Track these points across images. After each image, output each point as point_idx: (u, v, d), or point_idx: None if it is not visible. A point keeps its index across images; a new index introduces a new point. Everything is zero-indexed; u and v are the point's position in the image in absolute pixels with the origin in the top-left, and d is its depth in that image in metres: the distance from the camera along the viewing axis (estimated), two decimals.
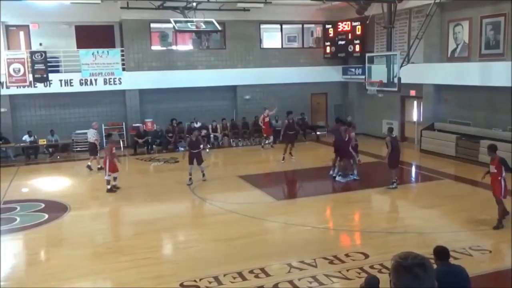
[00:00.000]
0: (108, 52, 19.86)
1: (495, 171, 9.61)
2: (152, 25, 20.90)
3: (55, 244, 10.02)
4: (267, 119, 20.19)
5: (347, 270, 7.98)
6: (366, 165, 15.55)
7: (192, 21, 16.27)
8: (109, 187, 13.50)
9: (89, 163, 16.57)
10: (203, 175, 14.37)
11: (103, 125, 20.38)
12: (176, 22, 16.15)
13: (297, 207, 12.41)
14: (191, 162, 14.01)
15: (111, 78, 19.94)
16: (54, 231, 10.81)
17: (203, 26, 16.16)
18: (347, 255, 8.61)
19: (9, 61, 18.33)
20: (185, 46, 21.99)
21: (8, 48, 19.62)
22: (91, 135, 16.96)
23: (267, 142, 20.44)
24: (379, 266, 7.99)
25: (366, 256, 8.56)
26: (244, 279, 7.76)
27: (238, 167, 17.28)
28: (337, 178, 14.39)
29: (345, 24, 22.15)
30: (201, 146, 14.46)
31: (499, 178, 9.54)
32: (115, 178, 13.67)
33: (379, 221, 10.97)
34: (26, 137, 18.93)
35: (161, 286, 7.64)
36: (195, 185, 13.96)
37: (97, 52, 19.59)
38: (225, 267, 8.18)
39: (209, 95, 21.89)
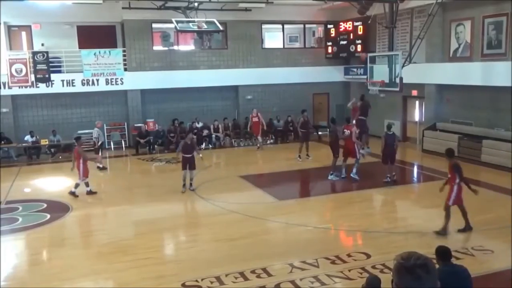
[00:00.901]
0: (110, 52, 19.89)
1: (450, 176, 9.50)
2: (154, 25, 20.92)
3: (57, 244, 10.03)
4: (255, 119, 19.90)
5: (349, 270, 7.97)
6: (368, 165, 15.53)
7: (193, 21, 16.27)
8: (88, 189, 13.35)
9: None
10: (191, 184, 13.43)
11: (105, 125, 20.42)
12: (177, 22, 16.16)
13: (298, 207, 12.40)
14: (184, 167, 13.32)
15: (113, 78, 19.97)
16: (56, 231, 10.82)
17: (204, 26, 16.16)
18: (349, 255, 8.60)
19: (11, 62, 18.38)
20: (187, 46, 22.01)
21: (10, 49, 19.68)
22: (96, 134, 17.11)
23: (257, 145, 20.09)
24: (381, 266, 7.99)
25: (368, 256, 8.56)
26: (246, 279, 7.76)
27: (240, 167, 17.28)
28: (329, 177, 14.40)
29: (347, 24, 22.14)
30: (195, 151, 13.61)
31: (452, 184, 9.36)
32: (87, 184, 13.39)
33: (381, 221, 10.96)
34: (28, 137, 18.97)
35: (163, 286, 7.64)
36: (197, 185, 13.95)
37: (99, 52, 19.61)
38: (226, 267, 8.18)
39: (211, 95, 21.92)
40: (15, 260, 9.18)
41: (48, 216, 11.65)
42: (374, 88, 17.04)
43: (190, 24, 16.24)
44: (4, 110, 19.12)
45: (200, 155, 13.56)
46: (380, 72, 16.36)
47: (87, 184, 13.39)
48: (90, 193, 13.38)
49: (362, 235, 9.99)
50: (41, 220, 11.35)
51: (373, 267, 8.01)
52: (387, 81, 16.07)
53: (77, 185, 13.24)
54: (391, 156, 13.61)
